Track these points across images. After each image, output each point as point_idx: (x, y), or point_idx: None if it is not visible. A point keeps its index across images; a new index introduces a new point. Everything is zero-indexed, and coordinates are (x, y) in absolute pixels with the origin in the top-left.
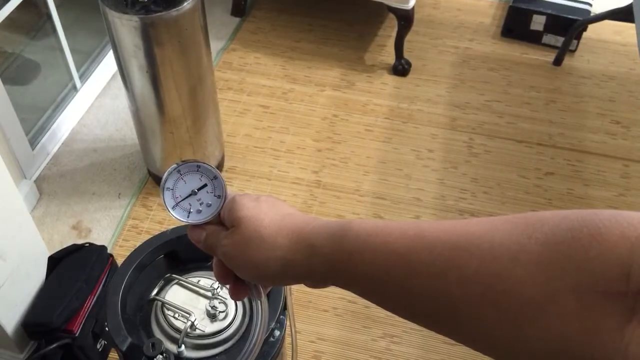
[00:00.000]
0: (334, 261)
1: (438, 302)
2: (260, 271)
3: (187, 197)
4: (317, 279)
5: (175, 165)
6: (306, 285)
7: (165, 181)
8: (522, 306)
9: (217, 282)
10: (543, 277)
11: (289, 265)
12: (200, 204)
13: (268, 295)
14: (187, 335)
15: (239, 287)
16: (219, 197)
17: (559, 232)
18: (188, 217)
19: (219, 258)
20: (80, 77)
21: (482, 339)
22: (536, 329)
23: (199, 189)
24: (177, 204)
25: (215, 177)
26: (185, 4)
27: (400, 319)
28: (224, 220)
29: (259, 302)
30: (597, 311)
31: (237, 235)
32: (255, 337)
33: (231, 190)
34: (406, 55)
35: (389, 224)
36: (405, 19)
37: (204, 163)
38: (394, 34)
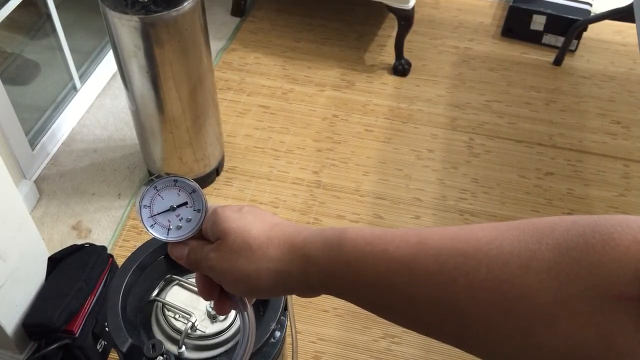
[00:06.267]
0: (331, 271)
1: (444, 310)
2: (252, 284)
3: (164, 212)
4: (311, 289)
5: (150, 181)
6: (297, 295)
7: (142, 199)
8: (534, 313)
9: (201, 299)
10: (555, 283)
11: (282, 277)
12: (180, 220)
13: (267, 299)
14: (187, 336)
15: (225, 301)
16: (198, 211)
17: (570, 237)
18: (167, 234)
19: (205, 273)
20: (80, 77)
21: (490, 347)
22: (548, 336)
23: (177, 206)
24: (155, 222)
25: (194, 191)
26: (185, 4)
27: None
28: (207, 234)
29: (245, 314)
30: (612, 316)
31: (224, 247)
32: (244, 350)
33: (212, 202)
34: (406, 55)
35: (387, 231)
36: (406, 18)
37: (181, 177)
38: (394, 34)
